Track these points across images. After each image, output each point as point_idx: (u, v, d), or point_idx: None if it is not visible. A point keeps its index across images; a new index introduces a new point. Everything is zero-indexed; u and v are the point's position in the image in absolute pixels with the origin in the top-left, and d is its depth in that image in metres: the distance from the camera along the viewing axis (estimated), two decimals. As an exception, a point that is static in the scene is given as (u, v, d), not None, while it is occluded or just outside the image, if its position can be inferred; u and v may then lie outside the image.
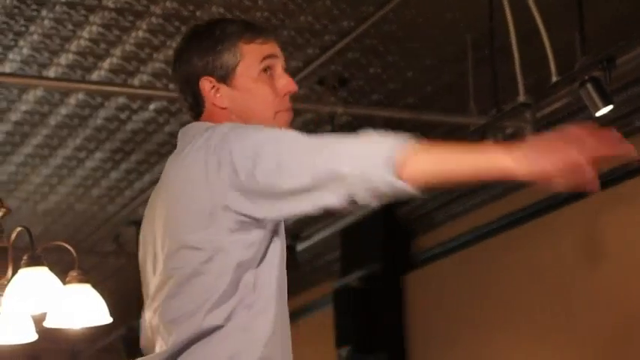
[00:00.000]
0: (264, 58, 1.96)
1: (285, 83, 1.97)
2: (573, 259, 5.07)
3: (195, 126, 1.97)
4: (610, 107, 3.89)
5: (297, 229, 6.10)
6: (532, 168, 1.64)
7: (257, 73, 1.96)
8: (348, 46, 4.46)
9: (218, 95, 1.95)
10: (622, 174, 4.81)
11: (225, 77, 1.95)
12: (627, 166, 4.77)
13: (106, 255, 6.55)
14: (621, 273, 4.81)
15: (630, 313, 4.73)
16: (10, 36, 4.34)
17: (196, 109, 1.99)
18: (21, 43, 4.41)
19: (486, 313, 5.59)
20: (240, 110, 1.95)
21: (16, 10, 4.15)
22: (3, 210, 3.43)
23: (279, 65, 1.99)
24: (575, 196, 5.06)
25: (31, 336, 3.58)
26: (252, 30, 1.98)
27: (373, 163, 1.71)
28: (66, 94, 4.87)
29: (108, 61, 4.58)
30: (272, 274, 1.86)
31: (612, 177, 4.87)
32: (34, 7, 4.14)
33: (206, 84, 1.96)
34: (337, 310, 6.27)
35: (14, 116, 5.07)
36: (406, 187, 1.71)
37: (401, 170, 1.70)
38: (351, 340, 6.16)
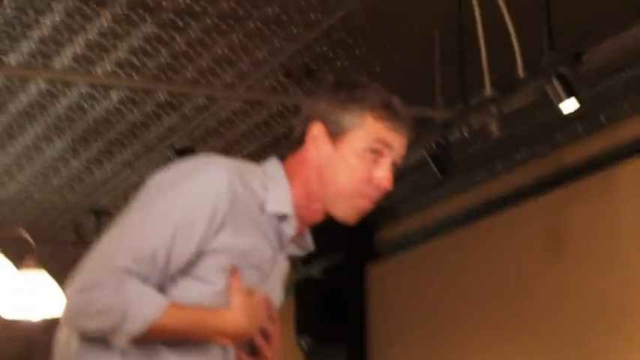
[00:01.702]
0: (379, 141, 1.91)
1: (383, 175, 1.91)
2: (537, 252, 5.10)
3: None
4: (575, 102, 3.91)
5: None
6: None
7: (363, 149, 1.90)
8: (315, 38, 4.43)
9: (318, 145, 1.91)
10: (583, 169, 4.84)
11: (334, 134, 1.91)
12: (591, 162, 4.81)
13: (65, 245, 6.48)
14: (584, 266, 4.85)
15: (593, 306, 4.77)
16: (-29, 24, 4.26)
17: (297, 143, 1.95)
18: (-19, 30, 4.33)
19: (449, 306, 5.60)
20: (327, 171, 1.91)
21: (-22, -2, 4.07)
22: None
23: (389, 157, 1.92)
24: (538, 189, 5.08)
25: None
26: (387, 110, 1.92)
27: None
28: (27, 81, 4.79)
29: (71, 49, 4.51)
30: None
31: (574, 172, 4.90)
32: (-5, -6, 4.06)
33: (316, 128, 1.91)
34: (299, 301, 6.26)
35: (-27, 104, 4.99)
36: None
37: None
38: (311, 331, 6.15)
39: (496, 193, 5.32)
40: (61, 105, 5.06)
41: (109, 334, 1.74)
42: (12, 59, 4.56)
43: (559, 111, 4.04)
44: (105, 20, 4.29)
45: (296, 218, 1.90)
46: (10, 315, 3.43)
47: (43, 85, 4.85)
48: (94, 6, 4.17)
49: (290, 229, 1.90)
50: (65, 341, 1.85)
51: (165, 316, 1.74)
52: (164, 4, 4.15)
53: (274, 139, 5.42)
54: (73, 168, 5.80)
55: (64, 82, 4.79)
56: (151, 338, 1.76)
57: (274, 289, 1.94)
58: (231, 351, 1.85)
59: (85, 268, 1.79)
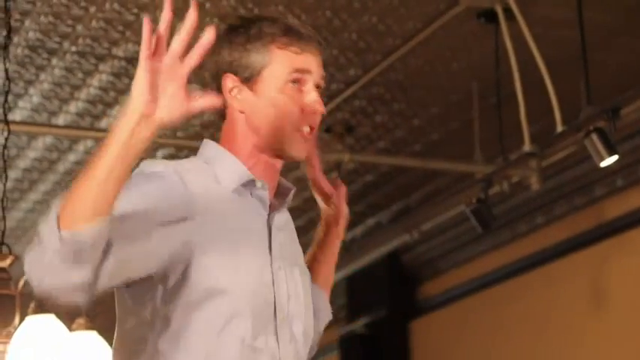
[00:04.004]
0: (295, 70, 1.78)
1: (313, 100, 1.78)
2: (579, 307, 5.06)
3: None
4: (615, 157, 3.89)
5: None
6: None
7: (283, 82, 1.77)
8: (354, 94, 4.50)
9: (238, 97, 1.78)
10: (626, 223, 4.82)
11: (249, 79, 1.77)
12: (632, 215, 4.79)
13: (114, 301, 6.54)
14: (628, 321, 4.80)
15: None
16: (21, 84, 4.38)
17: (221, 113, 1.81)
18: (31, 91, 4.45)
19: (493, 361, 5.56)
20: (257, 118, 1.77)
21: (27, 59, 4.20)
22: (11, 257, 3.45)
23: (310, 81, 1.79)
24: (579, 243, 5.07)
25: (37, 384, 3.57)
26: (291, 35, 1.79)
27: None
28: (75, 141, 4.91)
29: (116, 108, 4.62)
30: None
31: (615, 226, 4.88)
32: (45, 55, 4.19)
33: (228, 81, 1.78)
34: (343, 356, 6.25)
35: (23, 163, 5.11)
36: (67, 235, 1.49)
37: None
38: (357, 387, 6.13)
39: (537, 247, 5.31)
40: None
41: None
42: (60, 120, 4.68)
43: (598, 164, 4.04)
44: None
45: (259, 178, 1.77)
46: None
47: (90, 144, 4.96)
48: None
49: (262, 191, 1.77)
50: None
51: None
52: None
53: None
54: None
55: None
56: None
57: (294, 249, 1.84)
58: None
59: None
